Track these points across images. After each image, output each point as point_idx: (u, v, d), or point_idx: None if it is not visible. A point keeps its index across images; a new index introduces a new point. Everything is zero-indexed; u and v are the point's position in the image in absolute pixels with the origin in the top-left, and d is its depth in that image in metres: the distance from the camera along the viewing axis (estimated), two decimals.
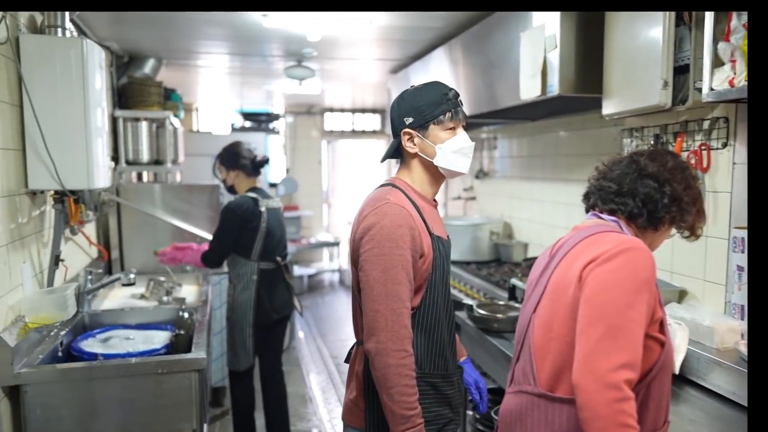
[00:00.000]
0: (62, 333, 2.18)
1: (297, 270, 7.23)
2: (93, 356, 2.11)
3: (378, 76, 5.29)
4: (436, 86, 1.58)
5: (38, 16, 2.30)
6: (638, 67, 2.10)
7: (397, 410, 1.41)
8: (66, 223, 2.49)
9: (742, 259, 1.88)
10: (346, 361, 1.68)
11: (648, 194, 1.33)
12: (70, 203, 2.43)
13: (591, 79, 2.38)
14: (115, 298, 3.00)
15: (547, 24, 2.45)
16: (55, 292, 2.20)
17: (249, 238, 2.92)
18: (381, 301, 1.43)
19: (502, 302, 2.64)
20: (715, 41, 1.74)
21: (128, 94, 4.01)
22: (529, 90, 2.58)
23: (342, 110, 8.07)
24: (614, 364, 1.12)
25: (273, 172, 7.47)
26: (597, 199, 1.40)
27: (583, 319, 1.20)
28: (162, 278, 3.06)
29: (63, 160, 2.15)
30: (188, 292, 3.13)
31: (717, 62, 1.75)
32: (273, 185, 7.02)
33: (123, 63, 4.22)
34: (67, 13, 2.29)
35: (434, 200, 1.68)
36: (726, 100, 1.76)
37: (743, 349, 1.70)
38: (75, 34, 2.42)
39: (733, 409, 1.64)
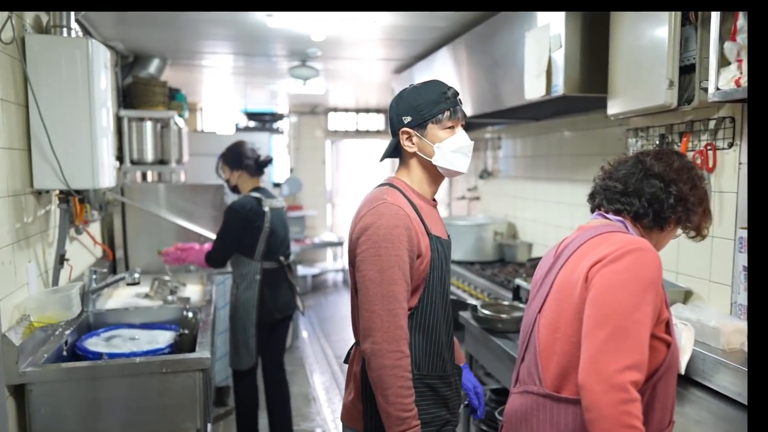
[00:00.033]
0: (67, 332, 2.19)
1: (301, 270, 7.23)
2: (97, 356, 2.11)
3: (382, 76, 5.29)
4: (434, 85, 1.57)
5: (44, 16, 2.31)
6: (644, 66, 2.09)
7: (392, 412, 1.40)
8: (71, 223, 2.49)
9: None
10: (346, 361, 1.67)
11: (654, 194, 1.32)
12: (75, 203, 2.44)
13: (596, 78, 2.38)
14: (119, 297, 3.01)
15: (552, 24, 2.45)
16: (60, 291, 2.20)
17: (253, 237, 2.92)
18: (377, 301, 1.42)
19: (506, 302, 2.64)
20: (722, 40, 1.73)
21: (133, 93, 4.03)
22: (533, 90, 2.58)
23: (346, 110, 8.07)
24: (620, 366, 1.11)
25: (277, 172, 7.48)
26: (602, 199, 1.40)
27: (589, 319, 1.19)
28: (166, 278, 3.07)
29: (68, 160, 2.16)
30: (192, 291, 3.14)
31: (723, 62, 1.74)
32: (277, 185, 7.03)
33: (128, 63, 4.23)
34: (72, 13, 2.29)
35: (434, 200, 1.66)
36: (732, 100, 1.75)
37: None
38: (80, 34, 2.43)
39: (739, 410, 1.63)
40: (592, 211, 1.45)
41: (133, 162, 3.93)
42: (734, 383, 1.67)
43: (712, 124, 2.04)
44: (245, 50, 4.28)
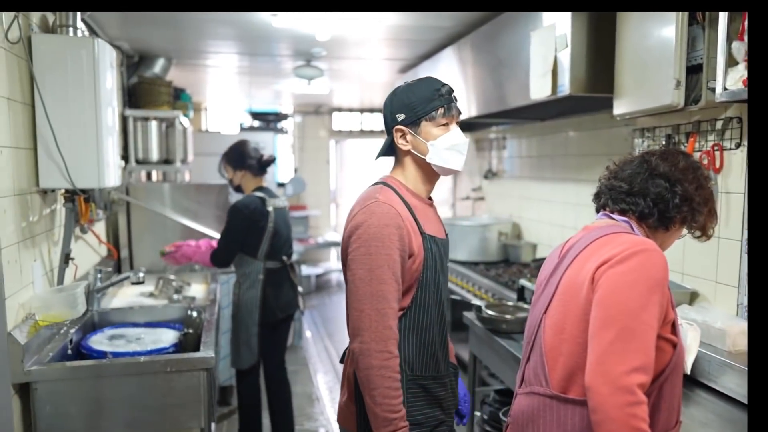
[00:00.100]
0: (72, 331, 2.20)
1: (305, 269, 7.24)
2: (102, 354, 2.12)
3: (386, 75, 5.29)
4: (428, 82, 1.55)
5: (50, 16, 2.32)
6: (650, 66, 2.08)
7: (379, 412, 1.39)
8: (76, 222, 2.50)
9: None
10: (341, 361, 1.66)
11: (659, 194, 1.32)
12: (81, 202, 2.44)
13: (602, 78, 2.37)
14: (124, 296, 3.01)
15: (558, 23, 2.44)
16: (65, 290, 2.21)
17: (256, 237, 2.92)
18: (366, 300, 1.41)
19: (510, 303, 2.63)
20: (729, 40, 1.72)
21: (138, 93, 4.04)
22: (539, 90, 2.57)
23: (350, 110, 8.08)
24: (627, 368, 1.11)
25: (281, 172, 7.49)
26: (608, 199, 1.39)
27: (595, 321, 1.19)
28: (171, 277, 3.08)
29: (74, 159, 2.17)
30: (197, 290, 3.15)
31: (731, 61, 1.73)
32: (281, 185, 7.03)
33: (133, 63, 4.24)
34: (78, 13, 2.30)
35: (430, 198, 1.64)
36: (740, 100, 1.74)
37: None
38: (86, 33, 2.43)
39: (745, 412, 1.62)
40: (597, 211, 1.44)
41: (138, 161, 3.94)
42: (740, 385, 1.66)
43: (719, 125, 2.02)
44: (250, 50, 4.29)
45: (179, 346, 2.27)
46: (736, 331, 1.79)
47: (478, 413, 2.66)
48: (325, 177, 8.19)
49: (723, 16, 1.74)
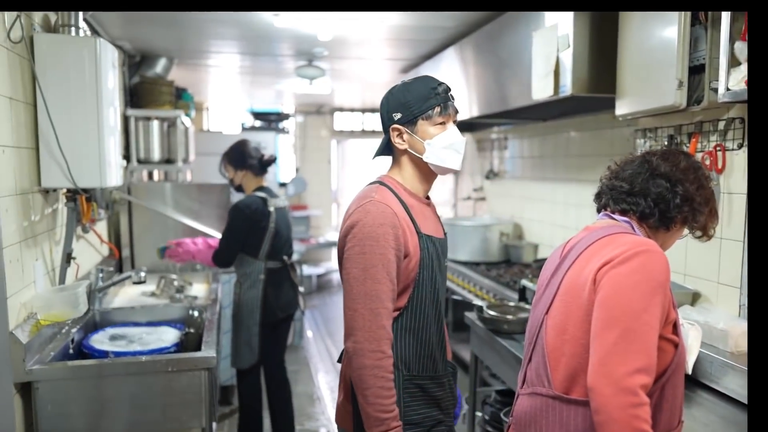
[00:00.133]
0: (73, 330, 2.20)
1: (306, 269, 7.24)
2: (104, 354, 2.12)
3: (388, 75, 5.29)
4: (424, 81, 1.54)
5: (52, 16, 2.32)
6: (653, 66, 2.08)
7: (371, 412, 1.39)
8: (78, 221, 2.50)
9: None
10: (339, 361, 1.65)
11: (660, 194, 1.32)
12: (82, 201, 2.44)
13: (604, 79, 2.36)
14: (125, 296, 3.02)
15: (560, 23, 2.43)
16: (66, 289, 2.21)
17: (258, 237, 2.92)
18: (359, 300, 1.40)
19: (512, 303, 2.63)
20: (732, 40, 1.72)
21: (140, 93, 4.04)
22: (541, 90, 2.57)
23: (352, 110, 8.08)
24: (630, 369, 1.11)
25: (282, 172, 7.49)
26: (609, 199, 1.39)
27: (597, 322, 1.19)
28: (173, 276, 3.08)
29: (76, 159, 2.17)
30: (198, 290, 3.15)
31: (733, 62, 1.72)
32: (282, 185, 7.04)
33: (135, 62, 4.25)
34: (80, 13, 2.30)
35: (427, 197, 1.63)
36: (742, 101, 1.74)
37: None
38: (88, 33, 2.44)
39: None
40: (599, 211, 1.44)
41: (139, 161, 3.94)
42: (742, 386, 1.66)
43: (721, 125, 2.02)
44: (252, 50, 4.29)
45: (180, 346, 2.28)
46: (738, 332, 1.78)
47: (479, 413, 2.66)
48: (326, 177, 8.19)
49: (725, 17, 1.73)
